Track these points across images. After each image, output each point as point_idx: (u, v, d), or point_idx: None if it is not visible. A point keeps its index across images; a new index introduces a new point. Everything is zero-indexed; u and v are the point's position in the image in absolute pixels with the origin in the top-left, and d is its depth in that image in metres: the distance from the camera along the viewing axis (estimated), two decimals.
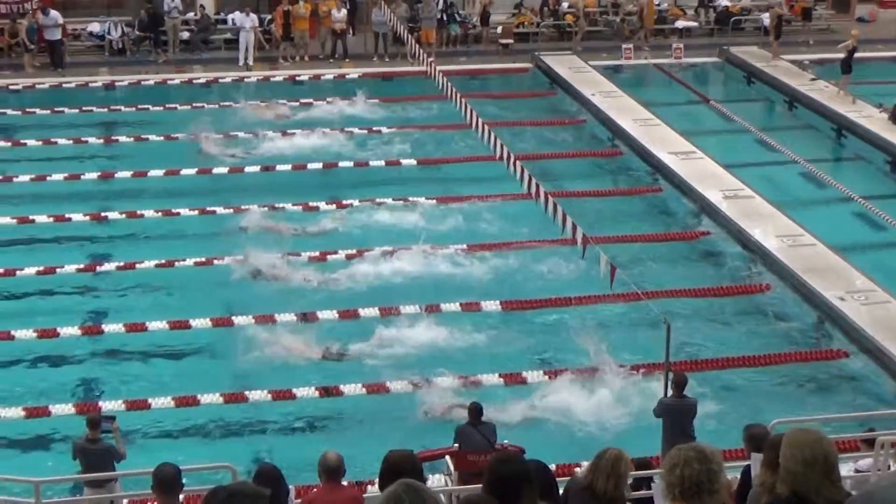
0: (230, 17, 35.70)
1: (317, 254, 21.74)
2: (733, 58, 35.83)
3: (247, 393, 17.14)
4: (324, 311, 19.59)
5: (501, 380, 17.56)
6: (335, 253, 21.80)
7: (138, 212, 23.69)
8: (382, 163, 26.88)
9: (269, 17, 35.97)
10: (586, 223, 20.13)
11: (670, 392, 14.67)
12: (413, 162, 27.01)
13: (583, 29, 37.43)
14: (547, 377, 17.66)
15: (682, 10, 39.05)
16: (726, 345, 18.89)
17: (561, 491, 7.98)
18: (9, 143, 27.99)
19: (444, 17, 36.77)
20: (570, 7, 38.43)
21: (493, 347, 18.74)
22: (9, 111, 30.12)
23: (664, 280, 20.98)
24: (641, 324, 19.07)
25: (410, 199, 24.45)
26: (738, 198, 23.98)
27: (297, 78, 33.74)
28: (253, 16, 34.86)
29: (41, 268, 21.05)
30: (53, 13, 33.40)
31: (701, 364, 18.04)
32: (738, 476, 9.52)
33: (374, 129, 29.26)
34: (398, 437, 15.15)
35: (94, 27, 35.67)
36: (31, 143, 27.98)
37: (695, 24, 38.91)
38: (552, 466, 9.63)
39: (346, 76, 33.88)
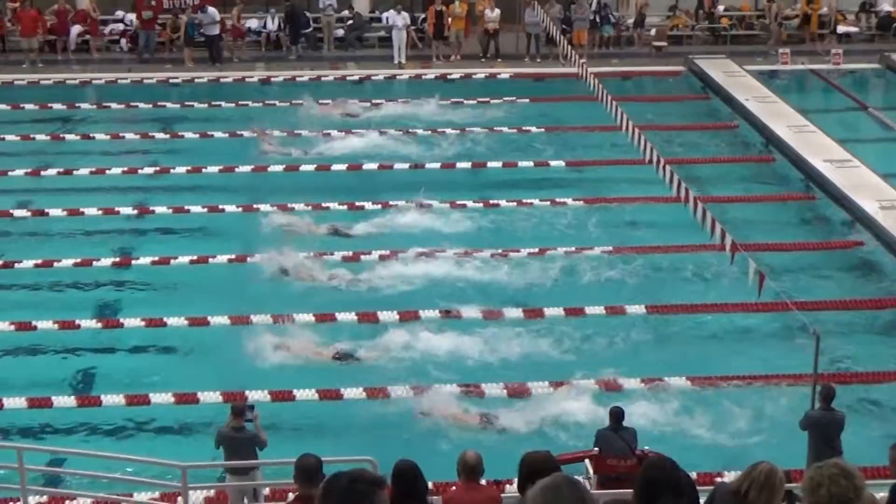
0: (384, 15, 36.07)
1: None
2: (894, 64, 34.86)
3: (388, 388, 17.27)
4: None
5: (643, 385, 17.37)
6: (480, 251, 21.86)
7: (289, 205, 24.09)
8: (531, 163, 26.85)
9: (422, 15, 36.24)
10: (735, 230, 19.83)
11: (817, 404, 14.35)
12: (561, 163, 26.92)
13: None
14: (689, 383, 17.44)
15: (843, 15, 38.11)
16: (877, 359, 18.39)
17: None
18: (167, 135, 28.70)
19: (598, 19, 36.54)
20: (725, 10, 37.89)
21: (637, 351, 18.58)
22: (168, 104, 30.90)
23: (814, 290, 20.54)
24: (788, 334, 18.71)
25: (558, 200, 24.40)
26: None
27: (449, 76, 33.90)
28: (405, 14, 35.18)
29: (195, 256, 21.60)
30: (211, 10, 34.18)
31: (849, 377, 17.61)
32: (888, 494, 9.24)
33: (524, 129, 29.28)
34: (538, 440, 15.10)
35: (252, 23, 36.39)
36: (189, 135, 28.63)
37: (855, 29, 37.95)
38: (692, 475, 9.49)
39: (498, 76, 33.93)
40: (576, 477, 5.20)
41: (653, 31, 36.57)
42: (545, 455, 7.58)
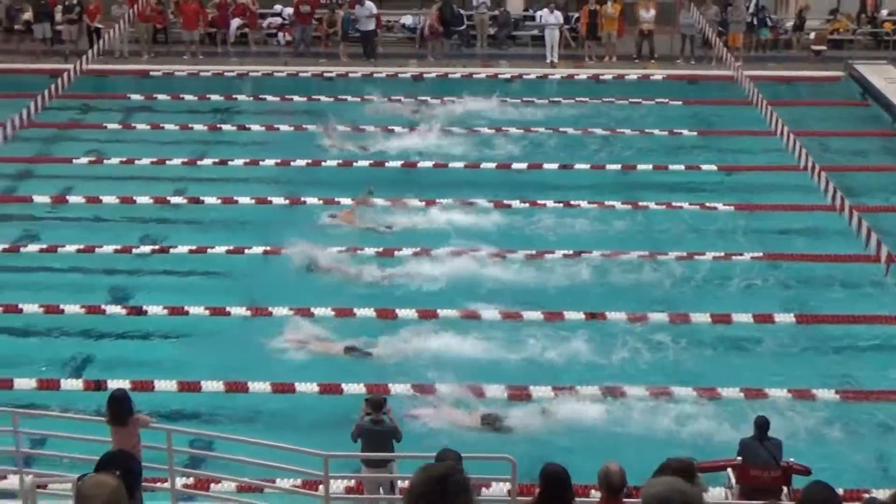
0: (537, 14, 36.02)
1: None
2: None
3: (530, 388, 17.26)
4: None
5: (789, 394, 17.04)
6: (627, 253, 21.73)
7: (437, 201, 24.25)
8: (682, 167, 26.54)
9: (575, 15, 36.09)
10: (889, 240, 19.32)
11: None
12: (713, 167, 26.56)
13: None
14: (838, 396, 17.06)
15: None
16: None
17: None
18: (320, 129, 29.09)
19: (754, 21, 35.91)
20: (889, 15, 36.89)
21: (784, 362, 18.24)
22: (322, 97, 31.35)
23: None
24: None
25: (708, 204, 24.10)
26: None
27: (601, 77, 33.70)
28: (558, 13, 35.07)
29: (343, 248, 21.93)
30: (368, 4, 34.55)
31: None
32: None
33: (675, 131, 28.98)
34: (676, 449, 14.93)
35: (407, 20, 36.70)
36: (341, 128, 28.98)
37: None
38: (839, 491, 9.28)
39: (651, 77, 33.61)
40: (701, 486, 5.13)
41: (812, 35, 35.78)
42: (687, 462, 7.48)
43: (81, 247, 22.22)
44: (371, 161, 26.85)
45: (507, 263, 21.37)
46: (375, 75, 33.47)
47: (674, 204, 24.07)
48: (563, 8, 36.04)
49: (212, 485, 14.07)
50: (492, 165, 26.61)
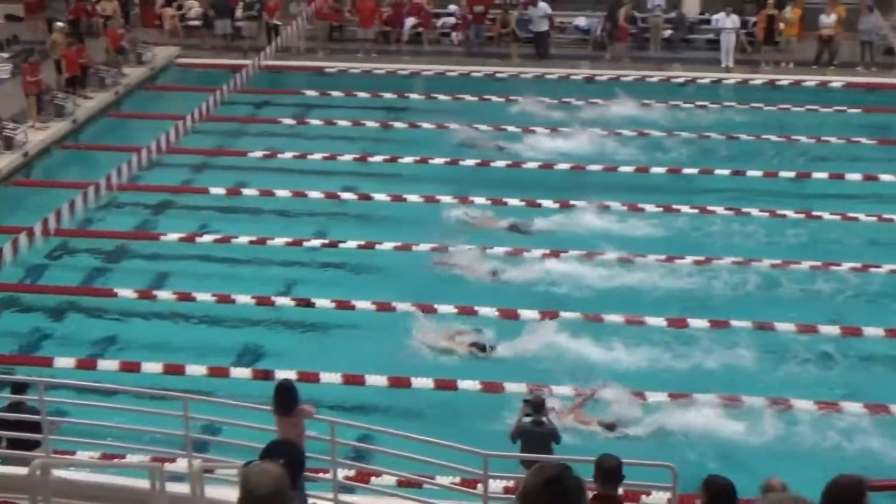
0: (714, 17, 35.44)
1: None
2: None
3: (695, 395, 17.02)
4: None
5: None
6: (798, 263, 21.32)
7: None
8: (859, 176, 25.80)
9: (753, 19, 35.40)
10: None
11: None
12: (892, 178, 25.73)
13: None
14: None
15: None
16: None
17: None
18: (491, 128, 29.13)
19: None
20: None
21: None
22: (493, 98, 31.40)
23: None
24: None
25: (885, 216, 23.42)
26: None
27: (777, 83, 33.00)
28: (735, 17, 34.41)
29: (509, 249, 21.97)
30: (542, 5, 34.50)
31: None
32: None
33: (853, 139, 28.21)
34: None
35: (580, 21, 36.55)
36: (511, 129, 29.02)
37: None
38: None
39: (829, 84, 32.75)
40: None
41: None
42: (855, 480, 7.24)
43: (254, 238, 22.75)
44: (540, 163, 26.81)
45: (675, 270, 21.13)
46: (547, 76, 33.41)
47: (849, 215, 23.45)
48: (741, 11, 35.37)
49: (372, 478, 14.24)
50: (661, 170, 26.30)
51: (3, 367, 17.89)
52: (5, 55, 33.52)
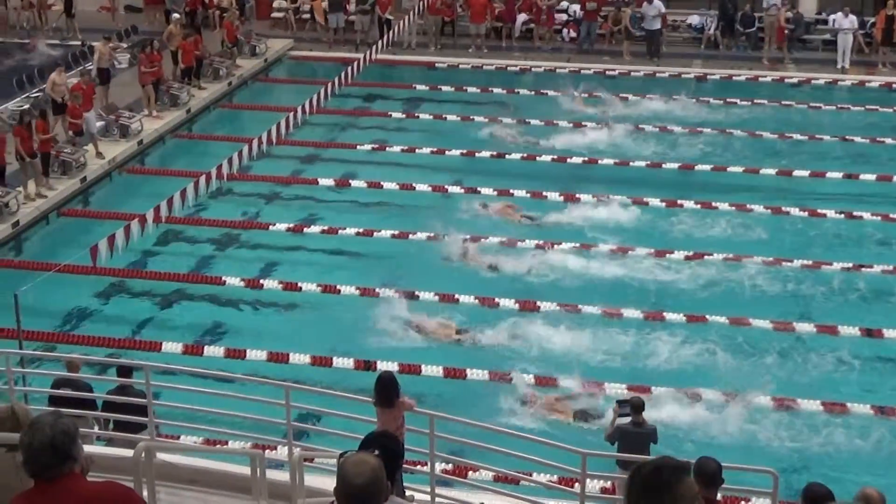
0: (830, 17, 34.80)
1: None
2: None
3: (799, 401, 16.77)
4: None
5: None
6: (869, 267, 21.05)
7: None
8: None
9: (871, 20, 34.66)
10: None
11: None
12: None
13: None
14: None
15: None
16: None
17: None
18: (600, 126, 29.00)
19: None
20: None
21: None
22: (602, 94, 31.22)
23: None
24: None
25: None
26: None
27: (894, 85, 32.30)
28: (853, 17, 33.72)
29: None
30: (656, 2, 34.18)
31: None
32: None
33: None
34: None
35: (694, 19, 36.16)
36: (620, 127, 28.89)
37: None
38: None
39: None
40: None
41: None
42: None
43: (360, 230, 22.92)
44: (648, 162, 26.65)
45: (780, 272, 20.84)
46: (658, 75, 33.13)
47: None
48: (859, 12, 34.67)
49: (469, 472, 14.28)
50: (772, 171, 25.92)
51: (112, 351, 18.28)
52: (124, 45, 34.21)
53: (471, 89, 32.15)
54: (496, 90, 32.03)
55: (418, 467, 12.39)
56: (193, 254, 22.84)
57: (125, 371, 14.05)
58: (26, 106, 27.52)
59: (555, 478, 13.83)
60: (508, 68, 34.03)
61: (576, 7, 36.12)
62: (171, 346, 18.77)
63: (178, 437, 14.95)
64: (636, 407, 13.62)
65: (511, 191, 24.88)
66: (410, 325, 19.35)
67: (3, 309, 18.20)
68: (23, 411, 7.90)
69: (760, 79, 32.86)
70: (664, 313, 19.58)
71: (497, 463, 12.70)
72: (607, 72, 33.47)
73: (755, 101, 30.53)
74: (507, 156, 27.16)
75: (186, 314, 20.40)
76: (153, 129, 28.50)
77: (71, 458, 5.24)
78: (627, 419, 13.66)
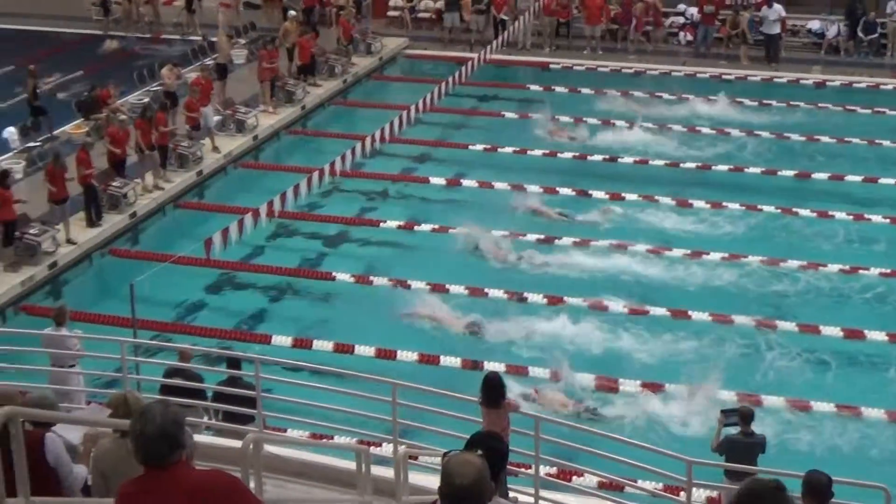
0: None
1: None
2: None
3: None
4: None
5: None
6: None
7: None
8: None
9: None
10: None
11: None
12: None
13: None
14: None
15: None
16: None
17: None
18: (714, 131, 28.65)
19: None
20: None
21: None
22: (719, 97, 30.83)
23: None
24: None
25: None
26: None
27: None
28: None
29: (727, 254, 21.55)
30: (776, 7, 33.66)
31: None
32: None
33: None
34: None
35: (814, 24, 35.52)
36: (735, 133, 28.48)
37: None
38: None
39: None
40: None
41: None
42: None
43: (465, 230, 22.95)
44: (762, 169, 26.25)
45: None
46: (776, 80, 32.61)
47: None
48: None
49: (574, 477, 14.20)
50: (891, 181, 25.37)
51: (223, 342, 18.54)
52: (242, 41, 34.70)
53: (585, 90, 31.95)
54: (610, 92, 31.79)
55: (523, 469, 12.34)
56: (304, 249, 23.07)
57: (235, 363, 14.23)
58: (146, 100, 28.08)
59: (660, 485, 13.68)
60: (623, 70, 33.77)
61: (693, 10, 35.74)
62: (281, 340, 18.99)
63: (285, 430, 15.11)
64: (745, 416, 13.41)
65: (622, 195, 24.68)
66: (519, 325, 19.32)
67: (119, 298, 18.58)
68: (135, 399, 8.07)
69: (882, 86, 32.14)
70: (777, 321, 19.31)
71: (602, 468, 12.60)
72: (723, 76, 33.04)
73: (875, 109, 29.88)
74: (619, 159, 26.96)
75: (296, 308, 20.62)
76: (268, 125, 28.85)
77: (180, 445, 5.32)
78: (735, 429, 13.45)
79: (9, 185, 21.30)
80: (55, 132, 27.57)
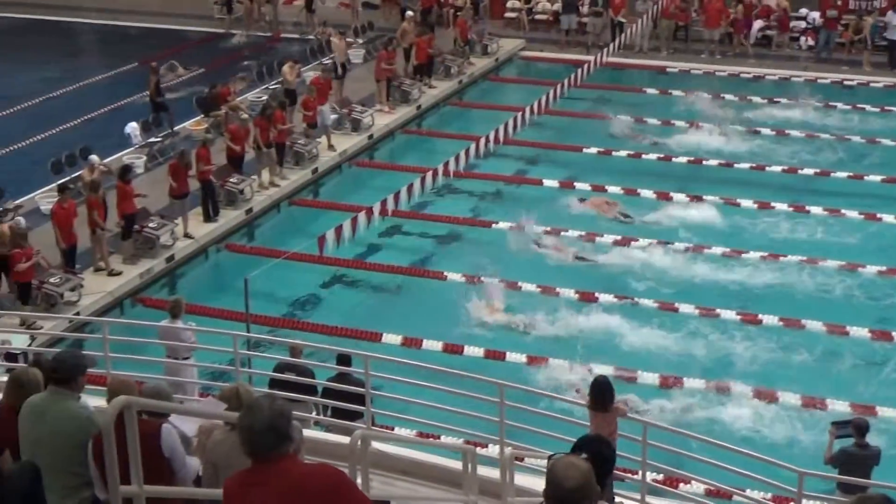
0: None
1: None
2: None
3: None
4: None
5: None
6: None
7: None
8: None
9: None
10: None
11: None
12: None
13: None
14: None
15: None
16: None
17: None
18: (833, 137, 28.17)
19: None
20: None
21: None
22: (839, 104, 30.29)
23: None
24: None
25: None
26: None
27: None
28: None
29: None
30: None
31: None
32: None
33: None
34: None
35: None
36: (855, 139, 27.95)
37: None
38: None
39: None
40: None
41: None
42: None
43: (583, 233, 22.85)
44: (885, 177, 25.73)
45: None
46: None
47: None
48: None
49: (681, 484, 14.07)
50: None
51: (333, 339, 18.72)
52: (360, 41, 35.00)
53: (701, 94, 31.63)
54: (728, 97, 31.41)
55: (629, 475, 12.25)
56: (416, 248, 23.19)
57: (345, 359, 14.35)
58: (265, 97, 28.47)
59: (768, 495, 13.48)
60: (741, 75, 33.33)
61: (815, 15, 35.14)
62: (391, 338, 19.12)
63: (393, 428, 15.21)
64: (860, 428, 13.14)
65: (738, 200, 24.40)
66: (622, 327, 19.24)
67: (233, 292, 18.88)
68: (246, 392, 8.18)
69: None
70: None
71: (710, 476, 12.45)
72: (845, 81, 32.44)
73: None
74: (735, 165, 26.63)
75: (407, 306, 20.71)
76: (383, 124, 29.07)
77: (288, 439, 5.39)
78: (847, 441, 13.20)
79: (130, 180, 21.77)
80: (175, 128, 28.12)
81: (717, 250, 22.05)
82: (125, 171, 21.74)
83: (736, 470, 11.45)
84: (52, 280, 19.74)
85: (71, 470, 7.32)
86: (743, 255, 21.81)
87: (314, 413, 14.20)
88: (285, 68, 28.86)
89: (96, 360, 12.88)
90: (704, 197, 24.57)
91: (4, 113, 30.53)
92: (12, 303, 19.63)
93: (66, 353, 8.17)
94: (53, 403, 7.44)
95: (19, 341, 17.66)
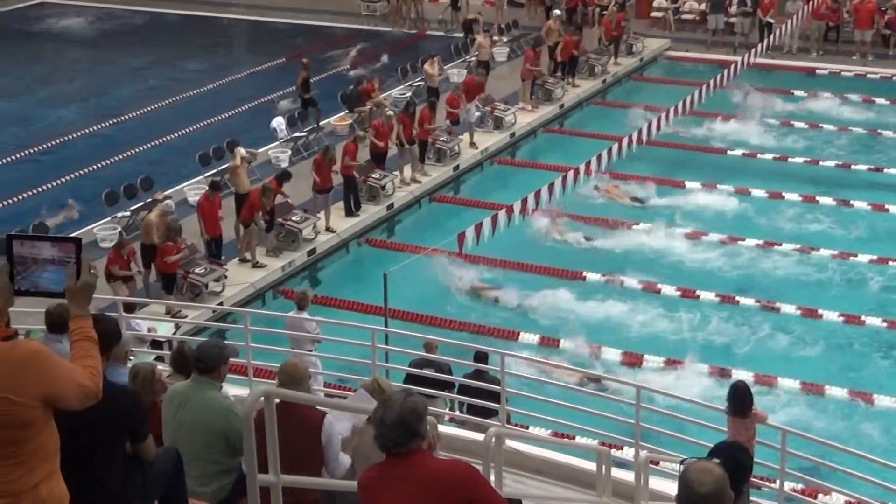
0: None
1: None
2: None
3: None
4: None
5: None
6: None
7: None
8: None
9: None
10: None
11: None
12: None
13: None
14: None
15: None
16: None
17: None
18: None
19: None
20: None
21: None
22: None
23: None
24: None
25: None
26: None
27: None
28: None
29: None
30: None
31: None
32: None
33: None
34: None
35: None
36: None
37: None
38: None
39: None
40: None
41: None
42: None
43: (724, 237, 22.51)
44: None
45: None
46: None
47: None
48: None
49: (820, 495, 13.77)
50: None
51: (470, 336, 18.78)
52: (505, 39, 35.04)
53: (852, 97, 30.90)
54: (879, 101, 30.65)
55: (767, 483, 12.05)
56: (556, 248, 23.10)
57: (482, 357, 14.38)
58: (408, 94, 28.70)
59: None
60: (894, 78, 32.47)
61: None
62: (528, 337, 19.09)
63: (527, 427, 15.20)
64: None
65: (886, 206, 23.81)
66: (769, 334, 18.97)
67: (372, 286, 19.08)
68: (388, 386, 8.26)
69: None
70: None
71: (851, 487, 12.18)
72: None
73: None
74: (884, 170, 25.99)
75: (545, 306, 20.63)
76: (526, 123, 29.07)
77: (418, 435, 5.43)
78: None
79: (282, 182, 22.19)
80: (320, 123, 28.51)
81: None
82: (285, 177, 22.26)
83: (877, 482, 11.19)
84: (197, 270, 20.18)
85: (210, 458, 7.51)
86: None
87: (447, 409, 14.27)
88: (426, 66, 29.03)
89: (238, 350, 13.18)
90: (854, 202, 24.05)
91: (157, 105, 31.28)
92: (158, 291, 20.13)
93: (209, 343, 8.35)
94: (195, 392, 7.65)
95: (164, 329, 18.10)
